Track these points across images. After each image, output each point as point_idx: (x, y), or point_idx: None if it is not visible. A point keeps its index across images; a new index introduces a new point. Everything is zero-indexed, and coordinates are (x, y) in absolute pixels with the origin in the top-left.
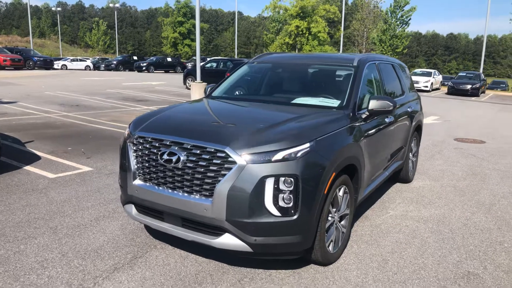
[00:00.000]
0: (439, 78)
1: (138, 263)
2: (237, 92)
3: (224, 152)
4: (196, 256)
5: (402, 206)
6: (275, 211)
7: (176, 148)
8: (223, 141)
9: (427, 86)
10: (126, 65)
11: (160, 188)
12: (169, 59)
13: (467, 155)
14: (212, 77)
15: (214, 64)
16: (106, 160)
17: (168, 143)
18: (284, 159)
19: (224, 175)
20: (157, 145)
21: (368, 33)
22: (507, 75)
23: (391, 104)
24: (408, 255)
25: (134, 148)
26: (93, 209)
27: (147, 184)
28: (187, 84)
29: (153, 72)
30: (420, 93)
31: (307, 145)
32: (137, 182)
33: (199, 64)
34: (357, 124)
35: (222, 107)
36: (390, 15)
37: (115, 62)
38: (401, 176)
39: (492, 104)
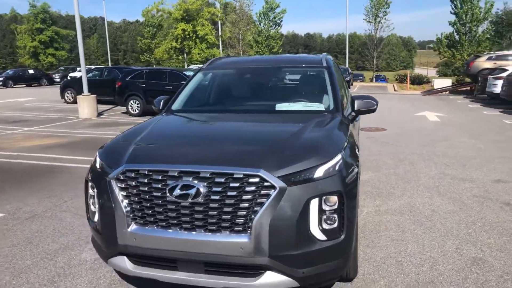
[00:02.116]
0: None
1: None
2: (204, 104)
3: (258, 176)
4: None
5: (368, 201)
6: (321, 236)
7: (190, 179)
8: (252, 163)
9: None
10: None
11: (170, 230)
12: (31, 71)
13: (381, 143)
14: (98, 88)
15: (98, 73)
16: (12, 200)
17: (176, 174)
18: (325, 176)
19: (261, 203)
20: (160, 178)
21: (242, 35)
22: (356, 68)
23: (375, 102)
24: (413, 251)
25: (122, 186)
26: (37, 268)
27: (150, 228)
28: (66, 98)
29: (12, 87)
30: None
31: (340, 156)
32: (134, 227)
33: (85, 75)
34: (350, 126)
35: (209, 123)
36: (263, 17)
37: None
38: None
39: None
